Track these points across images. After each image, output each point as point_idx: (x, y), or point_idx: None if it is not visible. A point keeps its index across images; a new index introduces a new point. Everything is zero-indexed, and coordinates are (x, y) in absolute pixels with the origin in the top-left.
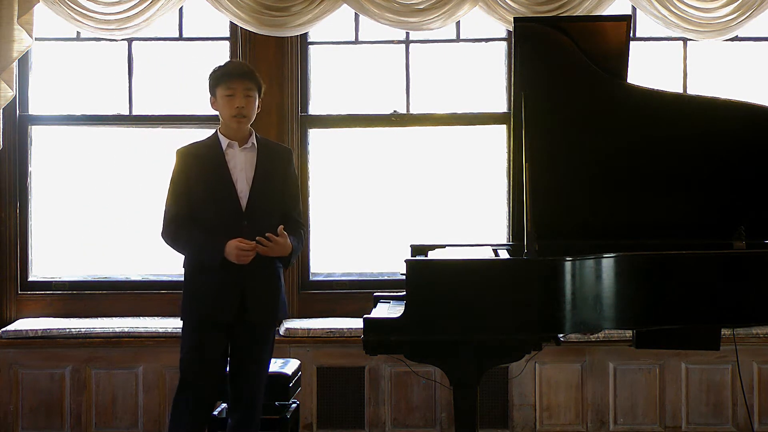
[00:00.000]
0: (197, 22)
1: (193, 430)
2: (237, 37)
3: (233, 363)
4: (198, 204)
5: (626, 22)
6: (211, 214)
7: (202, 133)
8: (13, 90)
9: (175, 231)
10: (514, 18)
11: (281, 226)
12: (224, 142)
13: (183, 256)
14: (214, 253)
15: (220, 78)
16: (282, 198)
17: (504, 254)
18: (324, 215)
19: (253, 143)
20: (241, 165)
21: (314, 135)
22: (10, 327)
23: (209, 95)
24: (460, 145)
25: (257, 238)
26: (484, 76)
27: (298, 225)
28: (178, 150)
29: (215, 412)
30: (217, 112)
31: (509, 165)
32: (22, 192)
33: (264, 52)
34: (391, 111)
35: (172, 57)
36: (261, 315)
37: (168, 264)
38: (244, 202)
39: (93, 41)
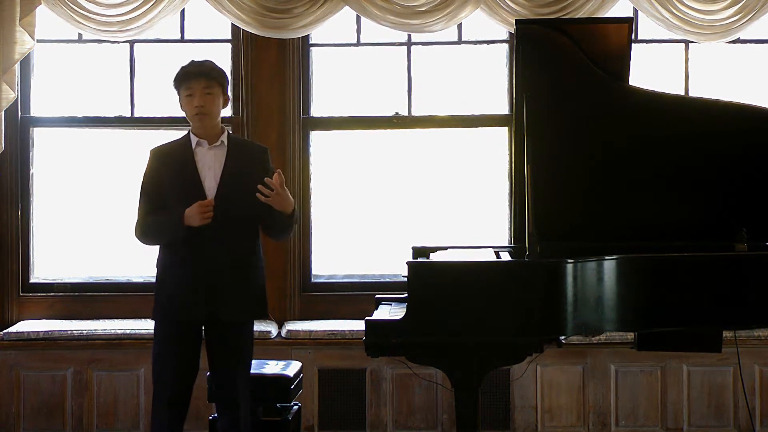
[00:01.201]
0: (199, 24)
1: (173, 429)
2: (239, 38)
3: (211, 364)
4: (168, 202)
5: (628, 24)
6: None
7: None
8: (14, 92)
9: (142, 224)
10: (515, 20)
11: (277, 172)
12: (194, 140)
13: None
14: (175, 226)
15: (179, 79)
16: (256, 195)
17: (506, 256)
18: (326, 217)
19: (223, 141)
20: (210, 163)
21: (316, 137)
22: (12, 329)
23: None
24: (461, 147)
25: (266, 180)
26: (485, 78)
27: None
28: (151, 150)
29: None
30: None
31: (511, 167)
32: (24, 194)
33: (266, 54)
34: (393, 113)
35: (174, 59)
36: (232, 314)
37: None
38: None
39: (95, 43)
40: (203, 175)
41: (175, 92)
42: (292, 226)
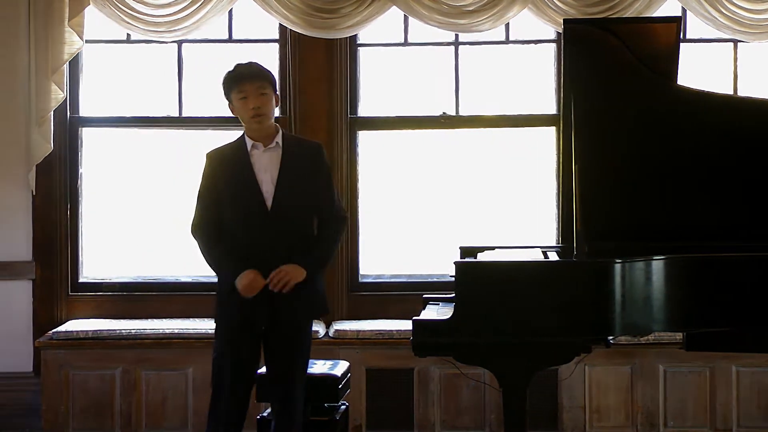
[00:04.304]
0: (247, 24)
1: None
2: (286, 38)
3: (269, 366)
4: (225, 205)
5: (677, 23)
6: (237, 215)
7: None
8: (63, 92)
9: (202, 238)
10: (563, 19)
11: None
12: (249, 143)
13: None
14: (226, 277)
15: (231, 83)
16: (311, 194)
17: (553, 256)
18: (373, 217)
19: (278, 142)
20: (266, 165)
21: (363, 137)
22: (61, 328)
23: (227, 102)
24: (509, 147)
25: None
26: (533, 78)
27: (330, 221)
28: (207, 153)
29: (265, 413)
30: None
31: (558, 167)
32: (73, 194)
33: (313, 54)
34: (441, 113)
35: (221, 59)
36: (292, 317)
37: None
38: (269, 202)
39: (143, 43)
40: (260, 178)
41: (224, 97)
42: (321, 268)
